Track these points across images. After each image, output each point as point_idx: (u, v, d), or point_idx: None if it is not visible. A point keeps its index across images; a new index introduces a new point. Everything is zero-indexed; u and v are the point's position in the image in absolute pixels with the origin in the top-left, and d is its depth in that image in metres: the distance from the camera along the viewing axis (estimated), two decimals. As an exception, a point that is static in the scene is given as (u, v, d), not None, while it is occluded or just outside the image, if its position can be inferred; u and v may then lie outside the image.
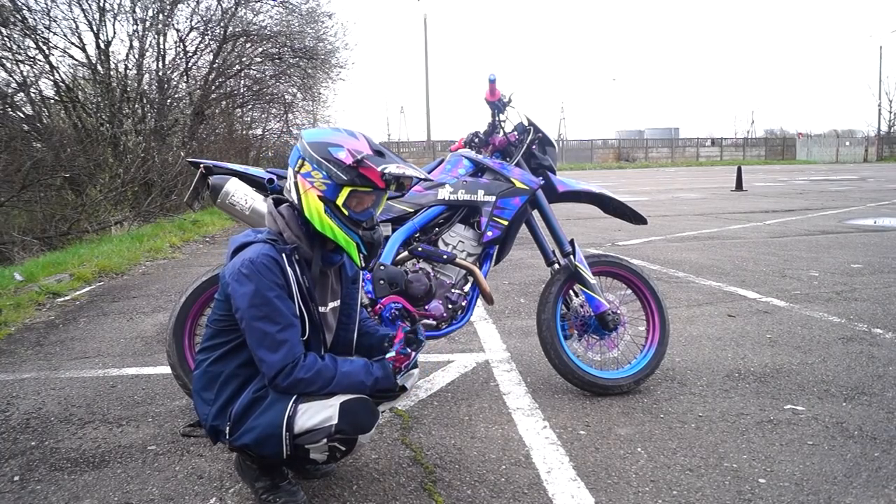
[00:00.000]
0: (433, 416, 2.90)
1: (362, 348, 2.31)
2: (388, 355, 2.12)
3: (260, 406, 2.00)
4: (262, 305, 1.93)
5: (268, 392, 2.00)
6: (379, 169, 1.97)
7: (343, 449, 2.03)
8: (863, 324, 4.23)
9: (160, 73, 12.98)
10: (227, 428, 2.04)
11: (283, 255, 2.00)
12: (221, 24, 13.95)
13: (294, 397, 1.98)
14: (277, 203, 2.15)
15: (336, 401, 1.98)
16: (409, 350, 2.12)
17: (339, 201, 2.01)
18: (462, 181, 3.04)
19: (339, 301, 2.26)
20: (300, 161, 2.05)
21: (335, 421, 1.95)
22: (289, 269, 1.99)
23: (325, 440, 1.97)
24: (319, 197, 2.01)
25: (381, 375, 2.04)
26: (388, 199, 3.03)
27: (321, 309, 2.16)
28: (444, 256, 2.95)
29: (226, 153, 14.01)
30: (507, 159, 3.17)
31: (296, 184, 2.05)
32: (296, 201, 2.05)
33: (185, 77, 13.79)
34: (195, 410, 2.18)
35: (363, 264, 2.11)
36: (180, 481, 2.37)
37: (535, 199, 3.16)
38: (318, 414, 1.96)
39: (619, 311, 3.17)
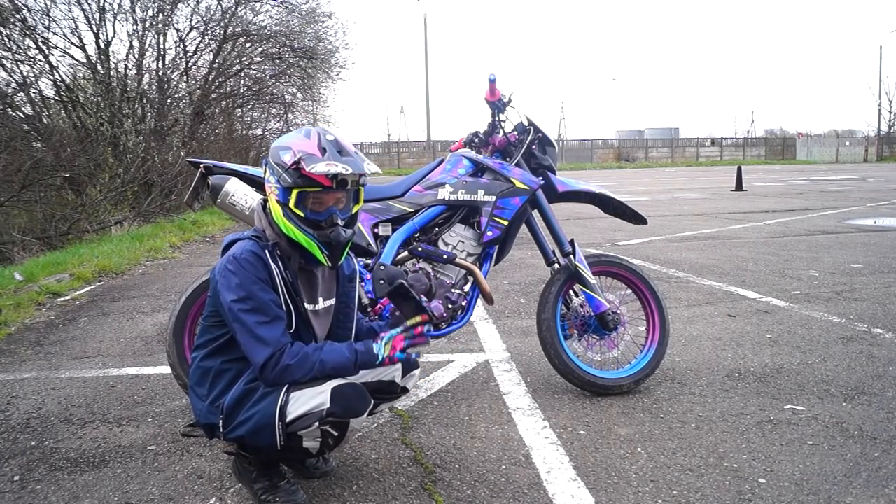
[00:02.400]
0: (433, 416, 2.90)
1: None
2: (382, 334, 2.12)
3: (252, 398, 2.02)
4: (247, 299, 1.97)
5: (260, 384, 2.02)
6: (308, 168, 1.95)
7: (335, 434, 2.01)
8: (863, 324, 4.23)
9: (160, 73, 12.99)
10: (220, 421, 2.05)
11: (266, 250, 2.04)
12: (221, 24, 13.95)
13: (286, 387, 1.99)
14: (266, 203, 2.18)
15: (328, 386, 1.99)
16: (398, 315, 2.12)
17: (291, 203, 2.02)
18: (462, 181, 3.04)
19: (333, 300, 2.26)
20: (264, 168, 2.11)
21: (327, 405, 1.96)
22: (272, 264, 2.03)
23: (316, 424, 1.96)
24: (277, 201, 2.05)
25: (361, 349, 2.04)
26: (388, 199, 3.04)
27: (312, 307, 2.17)
28: (444, 256, 2.95)
29: (226, 153, 14.03)
30: (507, 159, 3.17)
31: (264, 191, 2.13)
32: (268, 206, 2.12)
33: (185, 77, 13.79)
34: (192, 406, 2.19)
35: (329, 264, 2.10)
36: (180, 481, 2.37)
37: (535, 199, 3.16)
38: (310, 401, 1.97)
39: (619, 311, 3.16)
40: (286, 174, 2.00)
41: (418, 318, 2.07)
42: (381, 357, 2.04)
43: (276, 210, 2.06)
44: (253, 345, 1.96)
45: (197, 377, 2.13)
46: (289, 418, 1.96)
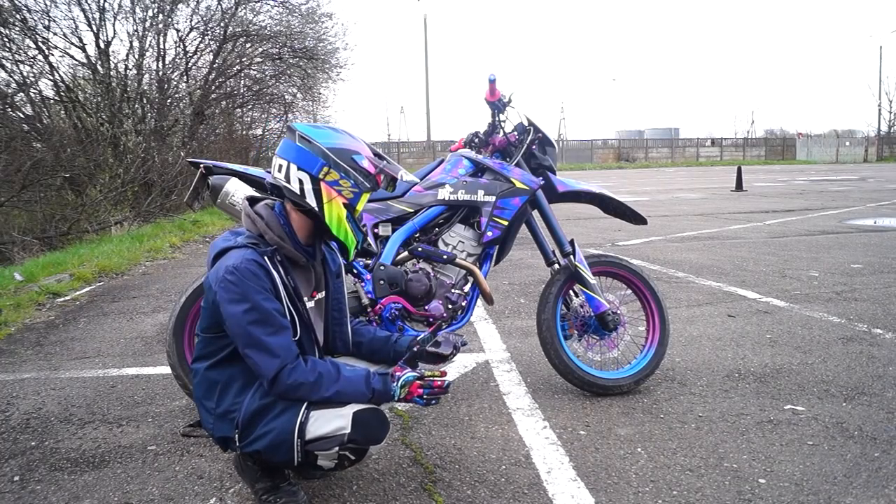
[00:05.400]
0: (433, 416, 2.90)
1: (361, 355, 2.31)
2: (394, 367, 2.10)
3: (270, 412, 1.99)
4: (251, 311, 1.93)
5: (277, 398, 2.00)
6: (398, 175, 2.14)
7: (353, 458, 2.03)
8: (863, 324, 4.23)
9: (160, 73, 12.98)
10: (236, 435, 2.03)
11: (266, 257, 2.00)
12: (221, 24, 13.94)
13: (305, 404, 1.97)
14: (252, 202, 2.14)
15: (349, 410, 1.97)
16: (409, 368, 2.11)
17: (360, 206, 2.11)
18: (462, 181, 3.04)
19: (323, 293, 2.25)
20: (325, 168, 2.03)
21: (348, 430, 1.95)
22: (273, 271, 2.00)
23: (336, 448, 1.97)
24: (344, 204, 2.06)
25: (379, 388, 2.01)
26: (388, 199, 3.05)
27: (311, 302, 2.16)
28: (444, 256, 2.95)
29: (226, 153, 13.99)
30: (507, 159, 3.17)
31: (316, 190, 2.03)
32: (314, 207, 2.03)
33: (185, 77, 13.78)
34: (201, 420, 2.15)
35: (352, 258, 2.26)
36: (180, 481, 2.37)
37: (535, 200, 3.16)
38: (330, 422, 1.96)
39: (619, 312, 3.16)
40: (365, 180, 2.08)
41: (437, 373, 2.06)
42: (397, 397, 2.03)
43: (339, 213, 2.06)
44: (261, 357, 1.93)
45: (203, 389, 2.08)
46: (308, 437, 1.95)
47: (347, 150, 2.07)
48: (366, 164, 2.08)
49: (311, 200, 2.04)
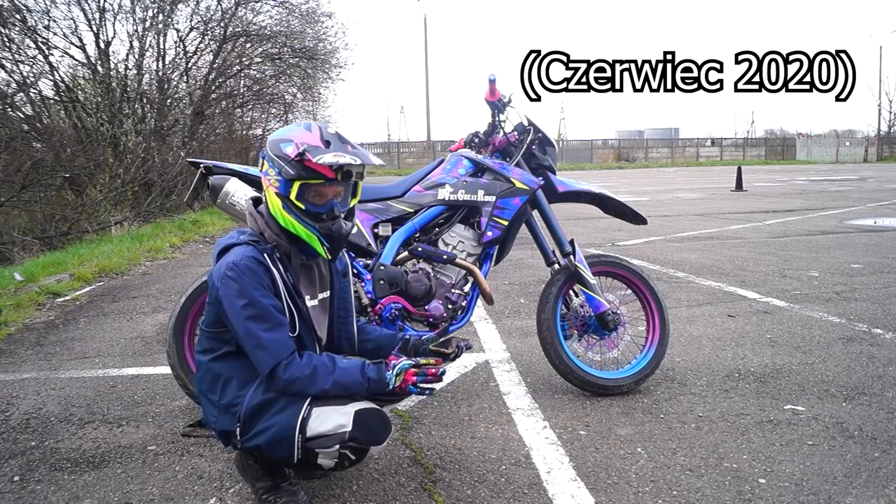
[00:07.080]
0: (433, 416, 2.90)
1: (367, 353, 2.31)
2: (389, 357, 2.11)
3: (272, 408, 2.00)
4: (249, 306, 1.95)
5: (279, 394, 2.01)
6: (314, 159, 1.95)
7: (353, 458, 2.03)
8: (863, 324, 4.22)
9: (160, 73, 12.98)
10: (238, 429, 2.03)
11: (265, 254, 2.02)
12: (221, 25, 13.94)
13: (308, 400, 1.98)
14: (257, 203, 2.17)
15: (351, 408, 1.98)
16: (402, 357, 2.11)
17: (292, 196, 2.02)
18: (462, 181, 3.04)
19: (328, 292, 2.26)
20: (262, 161, 2.09)
21: (349, 428, 1.96)
22: (273, 268, 2.01)
23: (337, 446, 1.97)
24: (276, 194, 2.04)
25: (374, 377, 2.01)
26: (388, 199, 3.05)
27: (311, 302, 2.16)
28: (444, 256, 2.95)
29: (226, 153, 14.00)
30: (507, 159, 3.17)
31: (264, 185, 2.09)
32: (265, 201, 2.10)
33: (185, 77, 13.78)
34: (203, 413, 2.17)
35: (329, 256, 2.12)
36: (180, 481, 2.37)
37: (535, 200, 3.16)
38: (331, 419, 1.96)
39: (619, 311, 3.16)
40: (288, 166, 1.99)
41: (432, 360, 2.07)
42: (392, 386, 2.03)
43: (274, 203, 2.05)
44: (258, 352, 1.95)
45: (208, 381, 2.09)
46: (309, 433, 1.96)
47: (278, 139, 2.05)
48: (289, 149, 1.98)
49: (263, 195, 2.10)
